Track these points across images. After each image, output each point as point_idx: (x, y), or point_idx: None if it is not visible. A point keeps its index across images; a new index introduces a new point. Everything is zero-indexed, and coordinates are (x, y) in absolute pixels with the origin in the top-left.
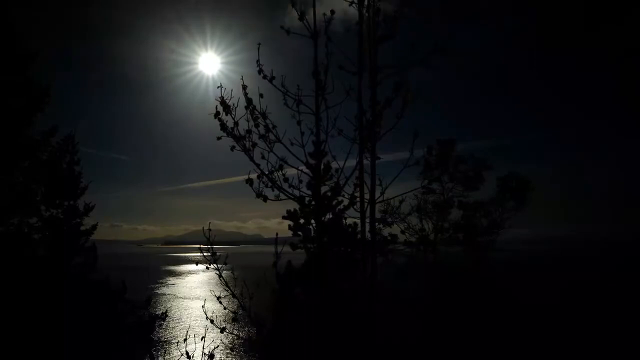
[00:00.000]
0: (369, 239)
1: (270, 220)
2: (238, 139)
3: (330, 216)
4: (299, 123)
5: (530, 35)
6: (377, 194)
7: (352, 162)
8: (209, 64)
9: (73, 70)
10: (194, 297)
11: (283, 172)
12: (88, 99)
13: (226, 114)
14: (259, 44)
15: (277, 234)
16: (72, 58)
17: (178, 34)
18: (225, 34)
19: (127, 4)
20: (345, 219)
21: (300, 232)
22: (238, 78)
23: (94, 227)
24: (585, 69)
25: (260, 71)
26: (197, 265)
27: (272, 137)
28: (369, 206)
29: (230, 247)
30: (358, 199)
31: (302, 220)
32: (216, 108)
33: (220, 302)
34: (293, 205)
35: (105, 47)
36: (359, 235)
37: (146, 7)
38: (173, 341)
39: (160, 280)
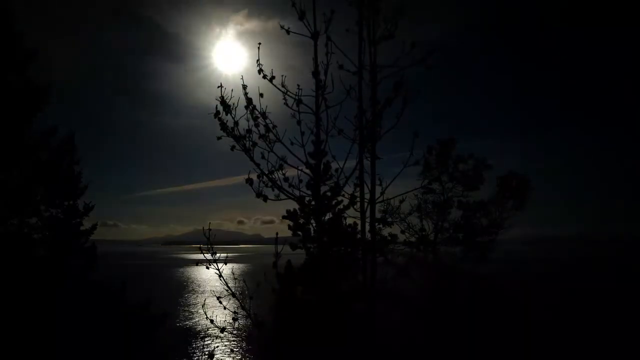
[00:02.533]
0: (369, 239)
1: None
2: (238, 138)
3: (330, 216)
4: (299, 123)
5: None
6: (377, 194)
7: (352, 162)
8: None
9: (75, 65)
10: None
11: (283, 171)
12: (93, 98)
13: (226, 114)
14: (259, 44)
15: (277, 233)
16: (80, 53)
17: (191, 16)
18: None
19: None
20: (345, 219)
21: (300, 232)
22: (267, 73)
23: (94, 227)
24: (587, 67)
25: (260, 71)
26: (197, 265)
27: (272, 136)
28: (369, 206)
29: (230, 247)
30: (358, 199)
31: (302, 220)
32: (216, 108)
33: (220, 302)
34: (293, 205)
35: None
36: (359, 235)
37: None
38: None
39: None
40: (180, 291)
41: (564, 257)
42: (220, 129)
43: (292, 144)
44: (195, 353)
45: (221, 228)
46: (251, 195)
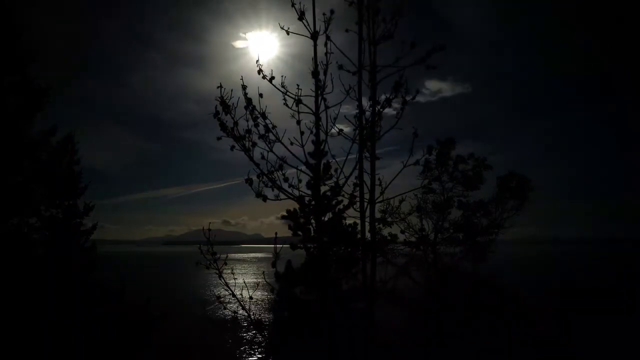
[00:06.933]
0: (369, 239)
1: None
2: (238, 138)
3: (330, 216)
4: (298, 123)
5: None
6: (377, 194)
7: (352, 162)
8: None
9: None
10: None
11: (283, 171)
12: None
13: (226, 114)
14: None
15: (276, 233)
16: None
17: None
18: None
19: None
20: (345, 219)
21: (300, 232)
22: (299, 65)
23: (94, 227)
24: (589, 68)
25: (259, 71)
26: (197, 265)
27: (271, 137)
28: (368, 206)
29: (230, 247)
30: (358, 199)
31: (302, 220)
32: (215, 108)
33: (221, 302)
34: (293, 205)
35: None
36: (359, 235)
37: None
38: None
39: None
40: (180, 291)
41: (565, 257)
42: (220, 129)
43: (292, 144)
44: (194, 352)
45: (221, 228)
46: (251, 195)
